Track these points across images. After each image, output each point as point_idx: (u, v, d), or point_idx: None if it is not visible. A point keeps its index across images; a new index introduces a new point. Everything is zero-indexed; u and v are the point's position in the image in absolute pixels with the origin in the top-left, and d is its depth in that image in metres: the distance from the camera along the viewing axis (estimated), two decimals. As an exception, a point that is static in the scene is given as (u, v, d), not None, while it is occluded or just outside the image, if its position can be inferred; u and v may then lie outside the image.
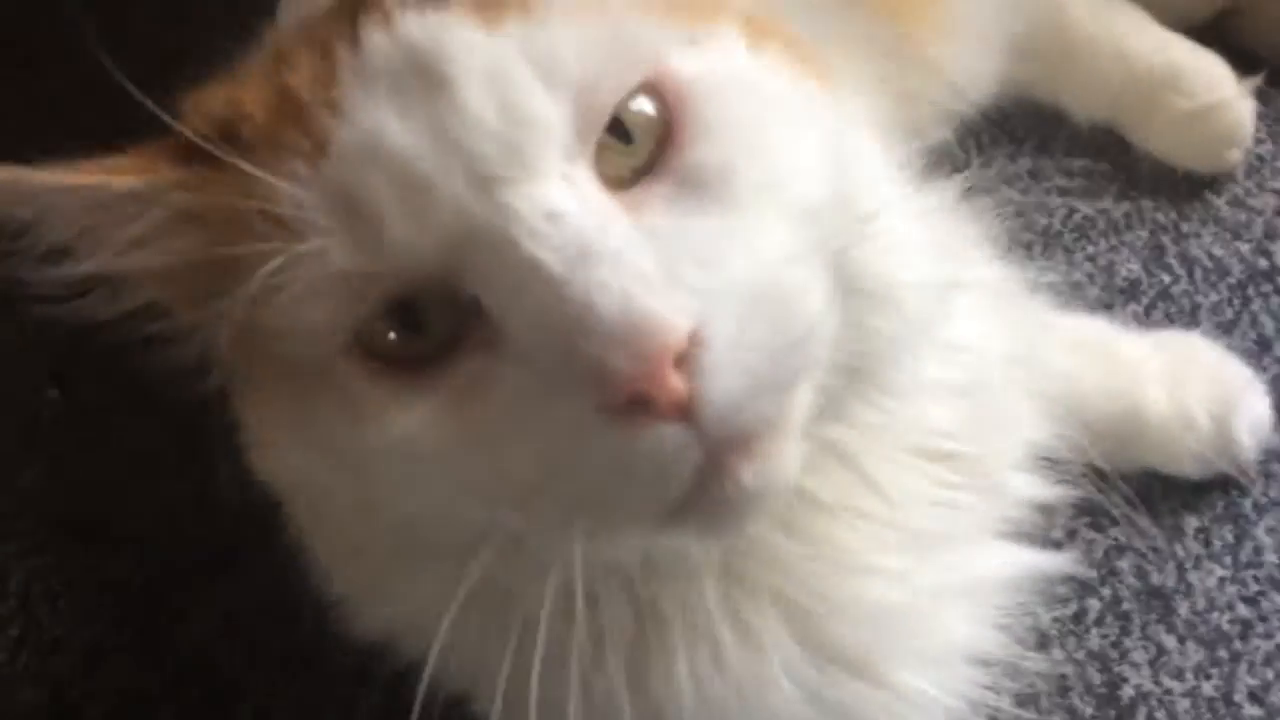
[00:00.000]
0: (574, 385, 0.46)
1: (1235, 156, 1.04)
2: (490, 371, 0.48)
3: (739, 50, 0.55)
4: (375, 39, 0.49)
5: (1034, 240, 1.02)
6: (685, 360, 0.45)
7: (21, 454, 1.07)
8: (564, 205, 0.47)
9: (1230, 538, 0.90)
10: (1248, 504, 0.91)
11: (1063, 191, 1.07)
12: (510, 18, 0.49)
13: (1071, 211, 1.05)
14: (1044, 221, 1.04)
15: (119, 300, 0.55)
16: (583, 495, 0.47)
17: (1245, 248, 1.02)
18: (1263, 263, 1.01)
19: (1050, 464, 0.74)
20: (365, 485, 0.52)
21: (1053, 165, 1.07)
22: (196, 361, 0.57)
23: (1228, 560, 0.89)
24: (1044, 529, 0.77)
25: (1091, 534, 0.90)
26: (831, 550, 0.61)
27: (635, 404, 0.45)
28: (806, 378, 0.50)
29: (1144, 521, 0.89)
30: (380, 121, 0.48)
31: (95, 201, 0.51)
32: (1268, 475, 0.91)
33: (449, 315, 0.49)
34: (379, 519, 0.55)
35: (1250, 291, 1.00)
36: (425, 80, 0.48)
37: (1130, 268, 1.02)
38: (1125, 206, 1.05)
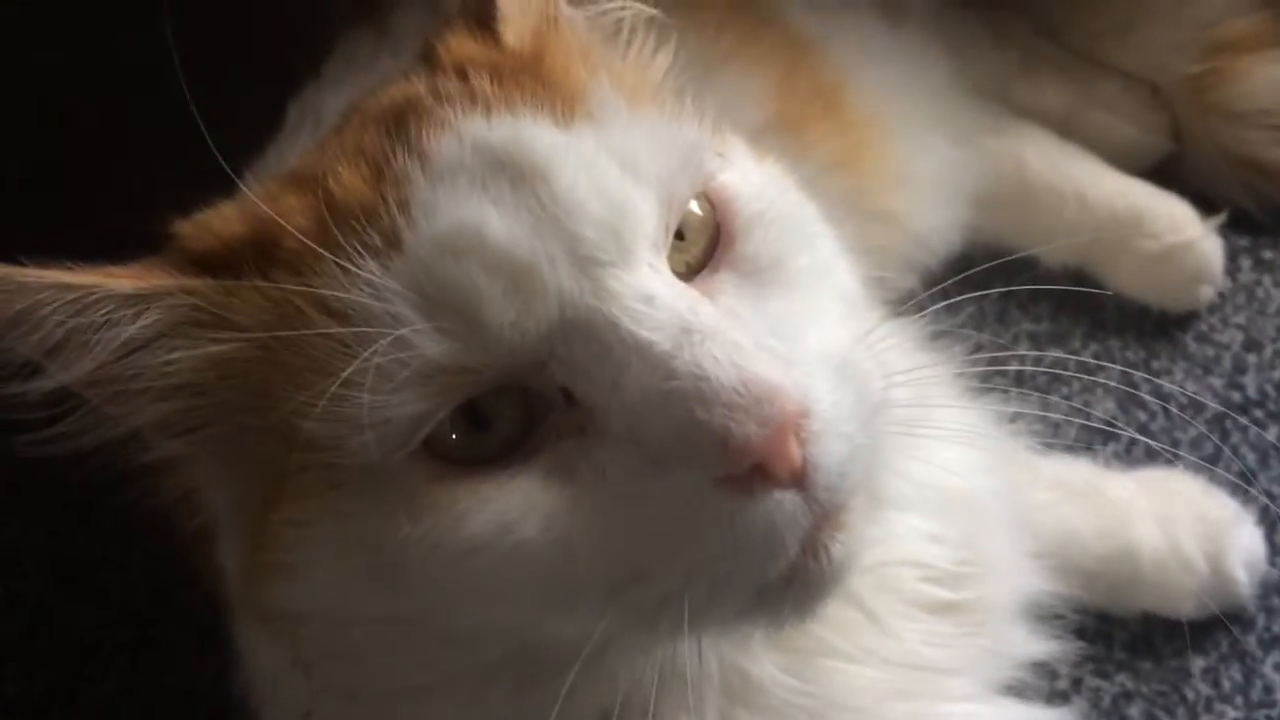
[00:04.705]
0: (690, 457, 0.46)
1: (1208, 293, 1.06)
2: (584, 457, 0.48)
3: (752, 163, 0.59)
4: (442, 143, 0.51)
5: (1007, 385, 1.02)
6: (797, 429, 0.46)
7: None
8: (658, 289, 0.49)
9: (1239, 677, 0.87)
10: (1252, 641, 0.89)
11: (1031, 335, 1.07)
12: (578, 120, 0.52)
13: (1041, 355, 1.05)
14: (1015, 365, 1.04)
15: (95, 428, 0.53)
16: (694, 569, 0.47)
17: (1217, 382, 1.02)
18: (1236, 396, 1.01)
19: (1047, 618, 0.73)
20: (411, 594, 0.50)
21: (1019, 310, 1.07)
22: (178, 499, 0.54)
23: (1239, 701, 0.86)
24: (1048, 680, 0.74)
25: (1097, 681, 0.87)
26: (838, 694, 0.59)
27: (755, 473, 0.45)
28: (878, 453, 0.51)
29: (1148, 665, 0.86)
30: (474, 213, 0.49)
31: (89, 301, 0.50)
32: (1269, 610, 0.89)
33: (518, 412, 0.49)
34: (407, 640, 0.53)
35: (1228, 425, 1.00)
36: (514, 175, 0.50)
37: (1105, 407, 1.02)
38: (1094, 347, 1.06)
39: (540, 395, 0.49)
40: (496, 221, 0.48)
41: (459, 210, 0.49)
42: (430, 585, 0.50)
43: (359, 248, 0.49)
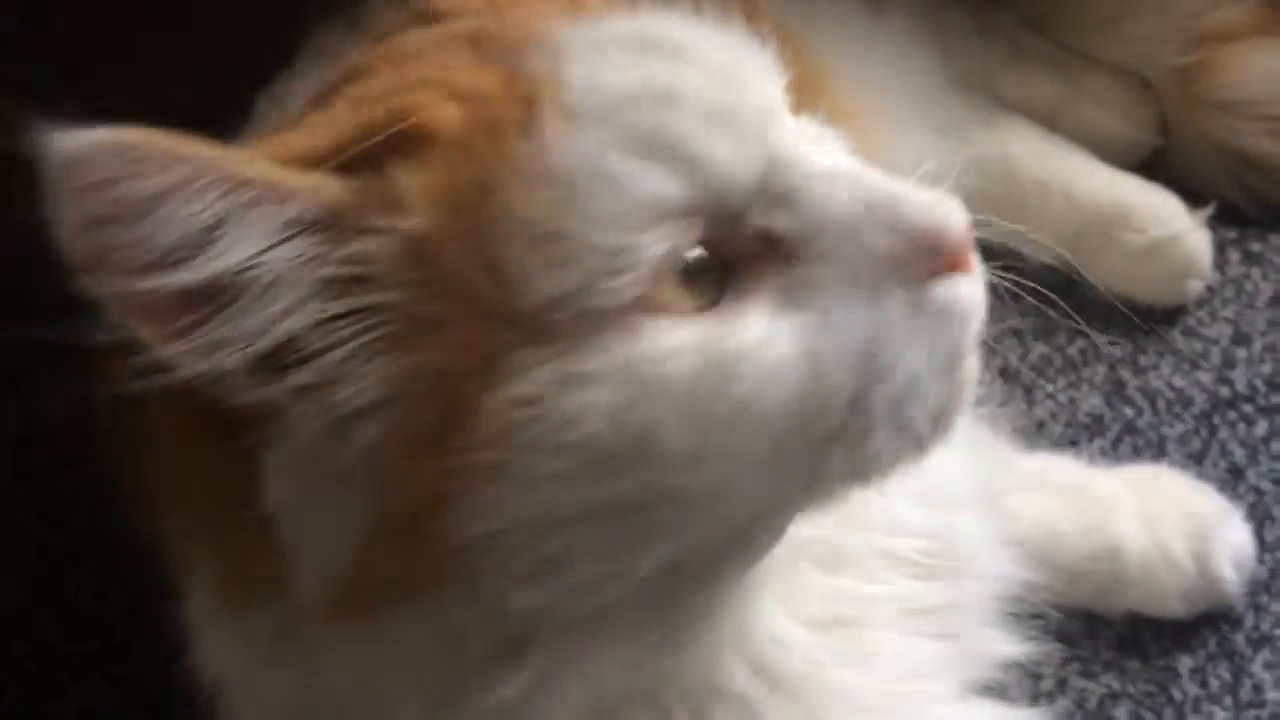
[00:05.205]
0: (908, 258, 0.50)
1: (1196, 287, 1.03)
2: (802, 285, 0.50)
3: None
4: (563, 36, 0.51)
5: (992, 380, 1.00)
6: None
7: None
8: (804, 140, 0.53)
9: (1227, 676, 0.86)
10: (1240, 639, 0.87)
11: (1016, 331, 1.05)
12: None
13: (1027, 350, 1.04)
14: (1000, 361, 1.02)
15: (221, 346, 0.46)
16: (931, 353, 0.50)
17: (1206, 377, 1.01)
18: (1225, 391, 1.00)
19: (1026, 618, 0.71)
20: (647, 461, 0.47)
21: (1003, 304, 1.05)
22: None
23: (1228, 701, 0.85)
24: (1033, 681, 0.72)
25: (1083, 682, 0.86)
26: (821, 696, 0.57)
27: (954, 265, 0.51)
28: None
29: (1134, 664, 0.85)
30: (651, 72, 0.49)
31: (242, 179, 0.46)
32: (1257, 608, 0.87)
33: (714, 265, 0.50)
34: (609, 537, 0.49)
35: (1216, 420, 0.98)
36: (663, 48, 0.51)
37: (1092, 403, 1.00)
38: (1080, 342, 1.04)
39: (730, 248, 0.50)
40: (678, 76, 0.49)
41: (633, 72, 0.49)
42: (674, 440, 0.47)
43: (532, 121, 0.47)
